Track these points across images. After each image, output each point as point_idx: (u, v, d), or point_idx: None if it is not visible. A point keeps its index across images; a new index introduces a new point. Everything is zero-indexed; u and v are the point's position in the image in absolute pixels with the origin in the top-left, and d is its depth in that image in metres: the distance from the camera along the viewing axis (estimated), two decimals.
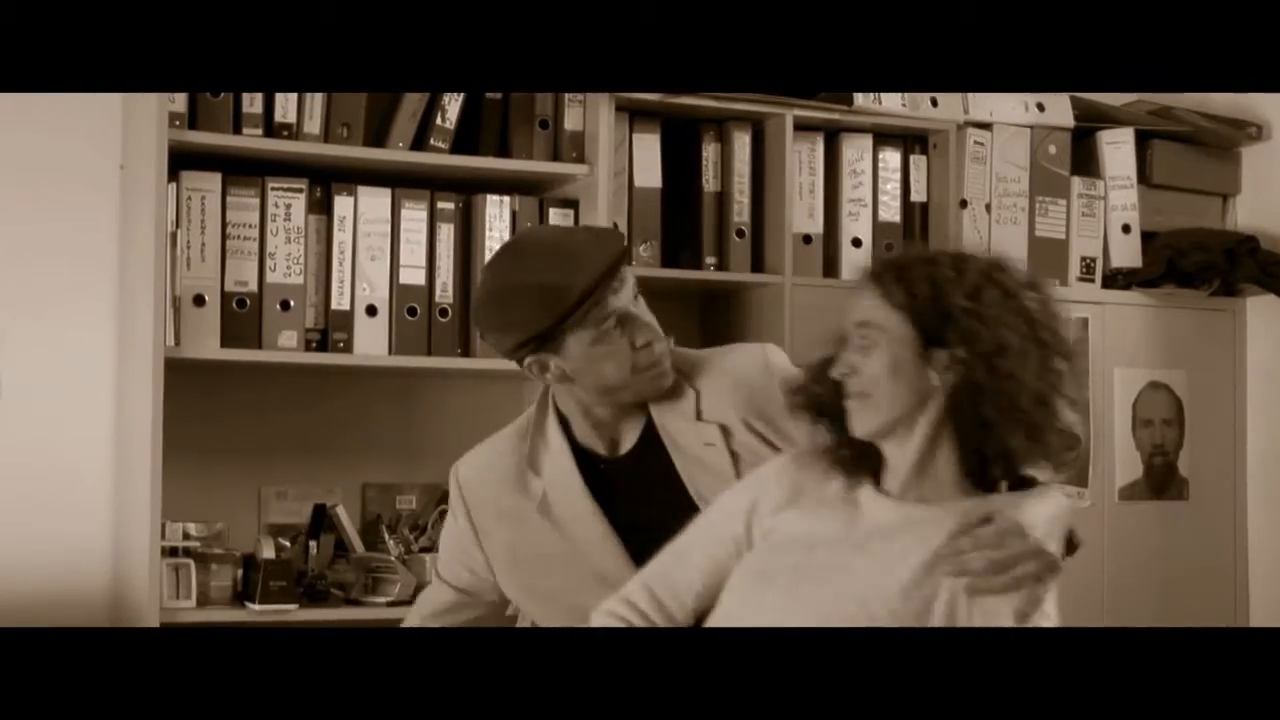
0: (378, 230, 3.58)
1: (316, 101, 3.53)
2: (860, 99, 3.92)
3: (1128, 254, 4.27)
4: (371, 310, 3.57)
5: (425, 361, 3.63)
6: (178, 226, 3.41)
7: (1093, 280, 4.22)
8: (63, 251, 3.63)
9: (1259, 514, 4.31)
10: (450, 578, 2.79)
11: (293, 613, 3.40)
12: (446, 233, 3.64)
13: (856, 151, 4.00)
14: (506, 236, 3.64)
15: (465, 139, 3.66)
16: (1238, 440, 4.34)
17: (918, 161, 4.06)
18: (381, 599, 3.50)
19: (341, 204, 3.56)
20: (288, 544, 3.55)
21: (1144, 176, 4.31)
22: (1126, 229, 4.27)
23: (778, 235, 3.88)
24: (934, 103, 4.03)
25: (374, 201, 3.59)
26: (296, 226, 3.52)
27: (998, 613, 2.16)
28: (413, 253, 3.61)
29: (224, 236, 3.46)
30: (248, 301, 3.48)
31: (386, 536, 3.66)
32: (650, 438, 2.66)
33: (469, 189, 3.67)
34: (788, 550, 2.30)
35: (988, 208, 4.10)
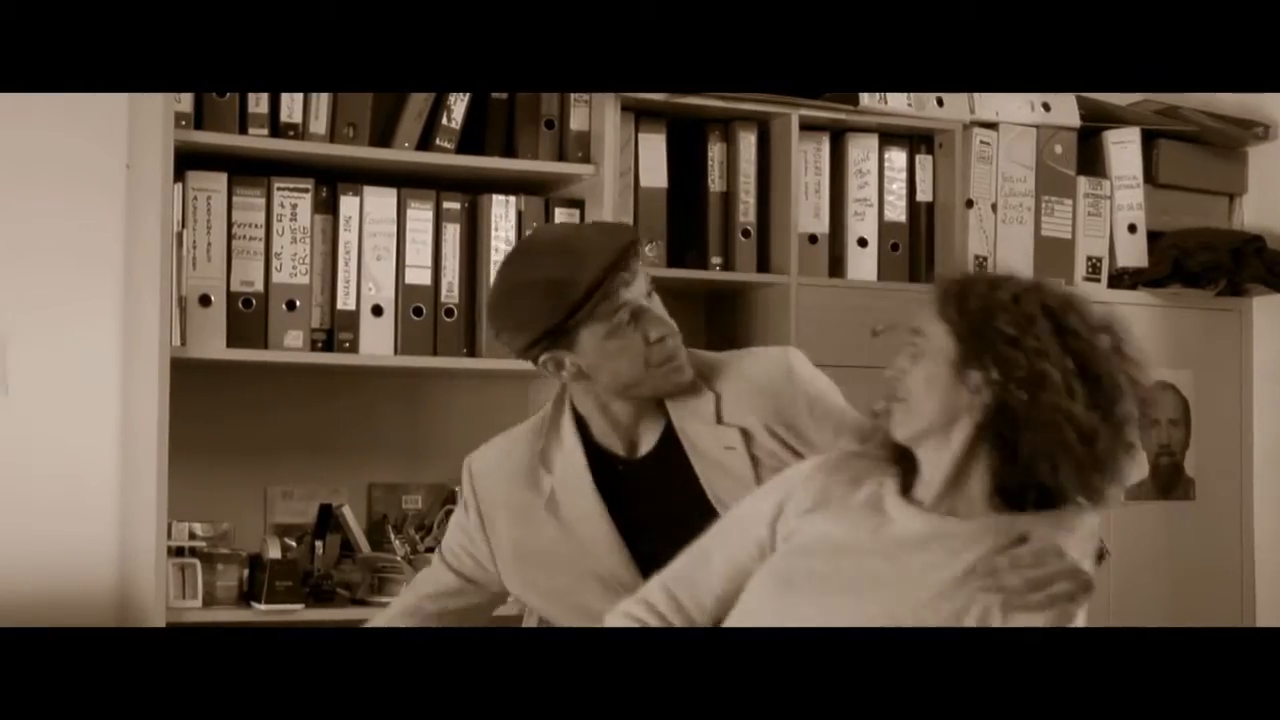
0: (383, 230, 3.58)
1: (322, 101, 3.53)
2: (866, 99, 3.92)
3: (1134, 254, 4.26)
4: (377, 310, 3.57)
5: (431, 361, 3.63)
6: (183, 226, 3.41)
7: (1099, 280, 4.22)
8: (69, 251, 3.63)
9: (1265, 514, 4.31)
10: (454, 563, 2.79)
11: (298, 613, 3.40)
12: (452, 233, 3.64)
13: (862, 151, 4.00)
14: (512, 237, 3.64)
15: (471, 139, 3.66)
16: (1244, 440, 4.33)
17: (923, 161, 4.06)
18: (387, 599, 3.48)
19: (347, 204, 3.56)
20: (294, 544, 3.55)
21: (1150, 176, 4.31)
22: (1132, 229, 4.27)
23: (783, 235, 3.88)
24: (940, 102, 4.02)
25: (380, 201, 3.59)
26: (302, 226, 3.52)
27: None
28: (418, 253, 3.61)
29: (230, 236, 3.46)
30: (253, 301, 3.48)
31: (392, 536, 3.66)
32: (669, 440, 2.66)
33: (474, 189, 3.67)
34: (812, 555, 2.29)
35: (994, 207, 4.10)
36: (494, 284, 2.69)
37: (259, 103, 3.49)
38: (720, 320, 4.01)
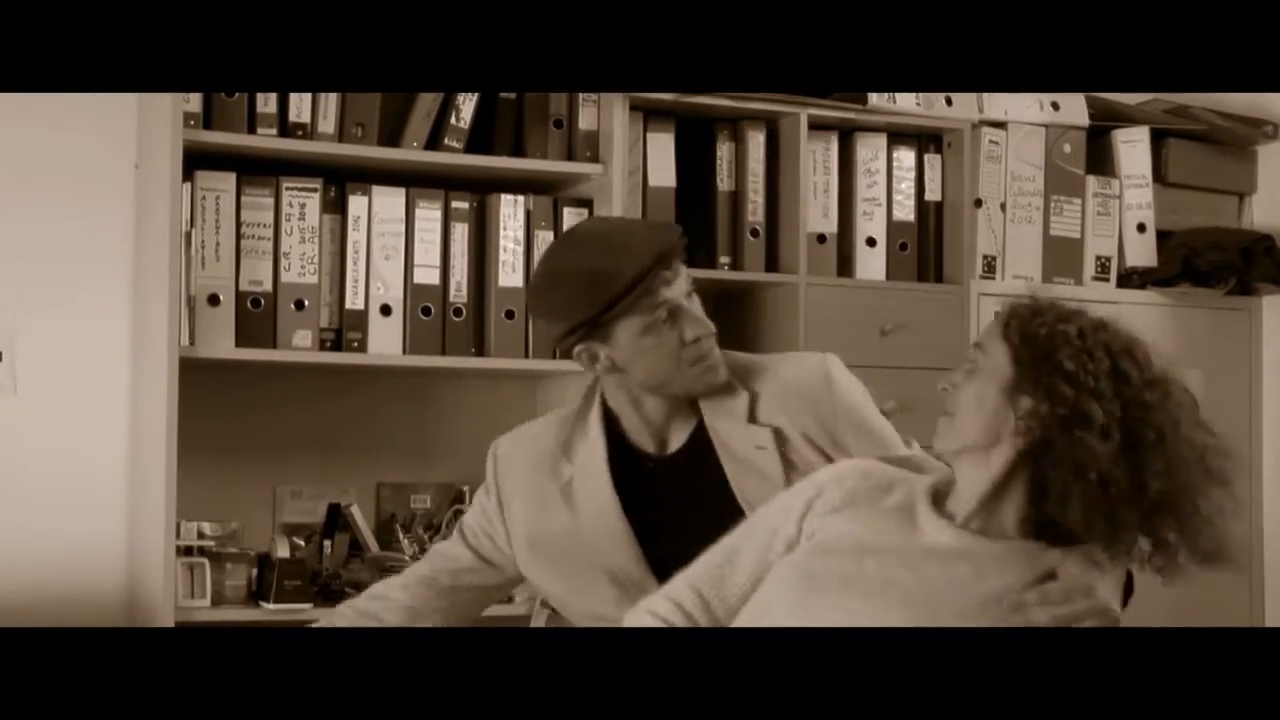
0: (392, 230, 3.58)
1: (331, 101, 3.53)
2: (875, 98, 3.91)
3: (1143, 253, 4.26)
4: (386, 310, 3.57)
5: (439, 361, 3.63)
6: (192, 226, 3.41)
7: (1108, 280, 4.21)
8: (78, 251, 3.63)
9: (1275, 513, 4.30)
10: (472, 541, 2.81)
11: (307, 612, 3.40)
12: (461, 232, 3.64)
13: (871, 151, 3.99)
14: (520, 236, 3.65)
15: (480, 138, 3.66)
16: (1253, 440, 4.33)
17: (932, 160, 4.06)
18: None
19: (356, 203, 3.57)
20: (302, 543, 3.55)
21: (1159, 175, 4.31)
22: (1142, 228, 4.26)
23: (792, 235, 3.87)
24: (949, 102, 4.02)
25: (388, 201, 3.59)
26: (311, 226, 3.52)
27: None
28: (427, 252, 3.61)
29: (239, 236, 3.47)
30: (262, 301, 3.48)
31: (401, 536, 3.66)
32: (700, 438, 2.66)
33: (483, 189, 3.67)
34: (836, 554, 2.29)
35: (1002, 207, 4.10)
36: (536, 271, 2.72)
37: (267, 103, 3.49)
38: (728, 320, 3.98)
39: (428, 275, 3.61)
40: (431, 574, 2.82)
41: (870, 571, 2.25)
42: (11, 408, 3.58)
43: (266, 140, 3.49)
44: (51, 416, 3.60)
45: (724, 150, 3.89)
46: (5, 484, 3.56)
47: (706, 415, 2.66)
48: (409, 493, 3.85)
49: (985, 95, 4.06)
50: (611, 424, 2.70)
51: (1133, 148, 4.26)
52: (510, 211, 3.66)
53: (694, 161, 3.87)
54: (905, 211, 4.02)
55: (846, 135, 3.99)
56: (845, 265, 3.98)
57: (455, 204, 3.64)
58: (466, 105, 3.63)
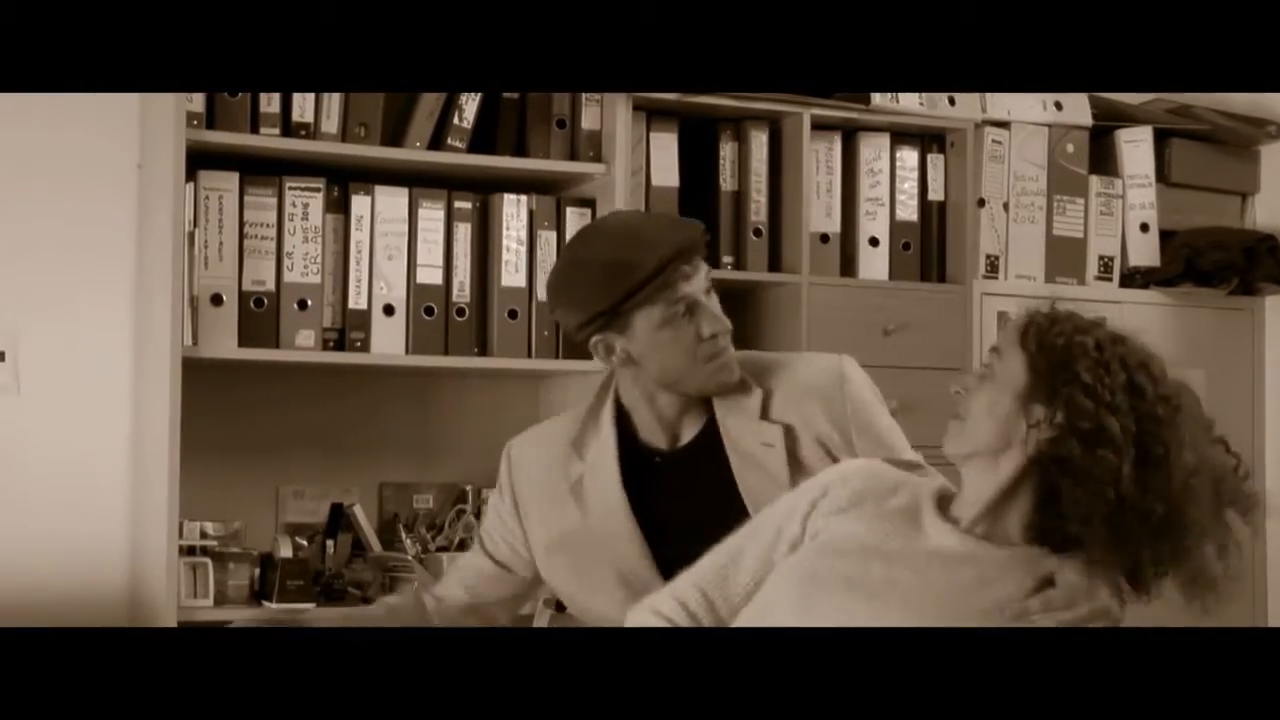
0: (395, 230, 3.58)
1: (334, 101, 3.53)
2: (878, 98, 3.91)
3: (1146, 253, 4.26)
4: (389, 310, 3.57)
5: (442, 361, 3.63)
6: (195, 226, 3.41)
7: (1110, 279, 4.21)
8: (80, 250, 3.63)
9: (1278, 513, 4.29)
10: (491, 549, 2.82)
11: (310, 611, 3.40)
12: (464, 232, 3.64)
13: (874, 150, 3.99)
14: (524, 236, 3.65)
15: (482, 138, 3.66)
16: (1256, 440, 4.32)
17: (935, 160, 4.05)
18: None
19: (359, 203, 3.57)
20: (305, 543, 3.56)
21: (1162, 175, 4.30)
22: (1145, 228, 4.26)
23: (795, 234, 3.87)
24: (952, 101, 4.02)
25: (391, 201, 3.59)
26: (314, 226, 3.52)
27: None
28: (430, 252, 3.61)
29: (241, 236, 3.46)
30: (265, 301, 3.48)
31: (403, 536, 3.66)
32: (710, 434, 2.67)
33: (486, 188, 3.67)
34: (839, 555, 2.29)
35: (1005, 207, 4.10)
36: (557, 261, 2.76)
37: (271, 102, 3.49)
38: (731, 319, 3.99)
39: (430, 275, 3.60)
40: (455, 589, 2.82)
41: (874, 573, 2.25)
42: (14, 407, 3.58)
43: (269, 140, 3.49)
44: (54, 416, 3.60)
45: (727, 150, 3.89)
46: (8, 484, 3.56)
47: (719, 411, 2.66)
48: (412, 492, 3.85)
49: (988, 95, 4.06)
50: (623, 420, 2.71)
51: (1136, 147, 4.26)
52: (513, 211, 3.66)
53: (697, 161, 3.87)
54: (908, 211, 4.02)
55: (849, 135, 3.99)
56: (848, 265, 3.97)
57: (458, 204, 3.64)
58: (469, 105, 3.63)
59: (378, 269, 3.57)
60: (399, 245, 3.58)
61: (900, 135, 4.02)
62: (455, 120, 3.62)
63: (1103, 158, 4.26)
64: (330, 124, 3.53)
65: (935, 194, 4.05)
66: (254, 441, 3.72)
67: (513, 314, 3.64)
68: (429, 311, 3.60)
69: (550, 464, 2.73)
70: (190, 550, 3.40)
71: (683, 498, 2.65)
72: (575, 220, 3.69)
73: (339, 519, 3.62)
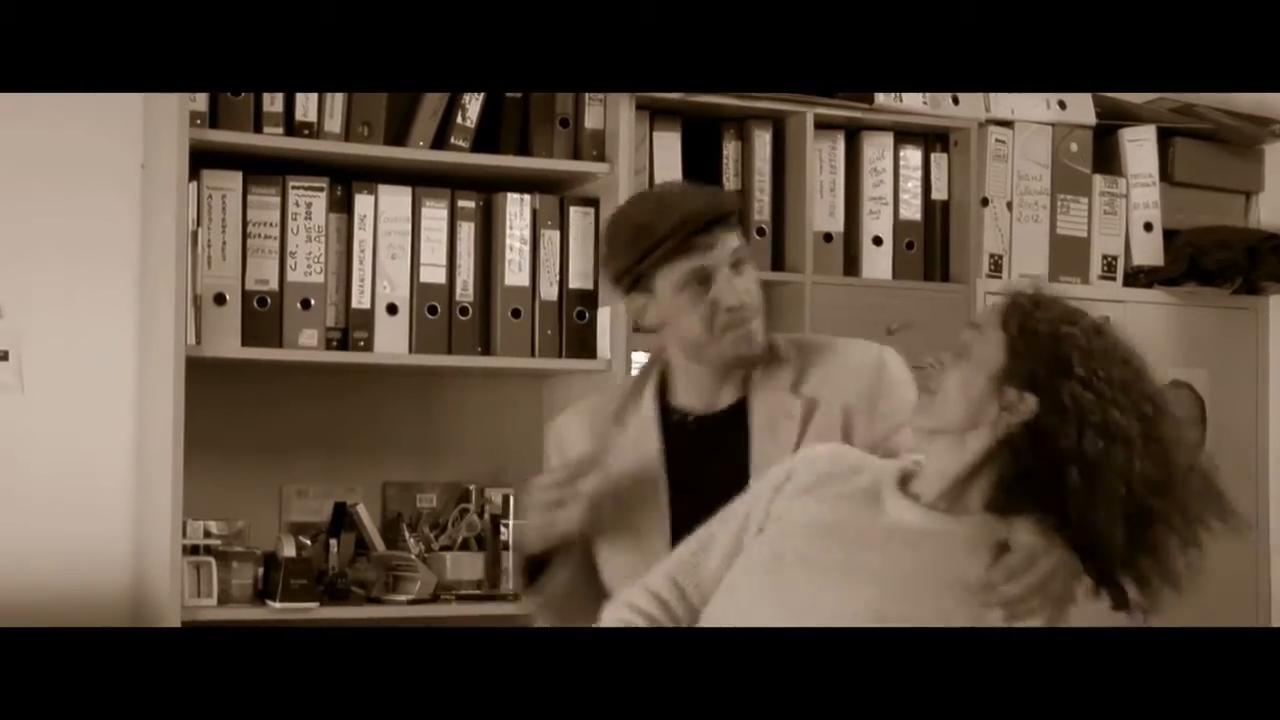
0: (398, 229, 3.58)
1: (337, 100, 3.53)
2: (881, 97, 3.91)
3: (1149, 252, 4.26)
4: (392, 309, 3.57)
5: (446, 360, 3.63)
6: (199, 225, 3.42)
7: (1114, 278, 4.21)
8: (84, 249, 3.64)
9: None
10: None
11: (313, 611, 3.40)
12: (467, 231, 3.64)
13: (877, 149, 3.99)
14: (527, 235, 3.65)
15: (486, 137, 3.66)
16: (1259, 439, 4.32)
17: (939, 159, 4.05)
18: (402, 597, 3.51)
19: (362, 203, 3.57)
20: (308, 542, 3.56)
21: (1166, 174, 4.30)
22: (1148, 227, 4.26)
23: (798, 233, 3.87)
24: (955, 100, 4.02)
25: (394, 200, 3.59)
26: (317, 225, 3.52)
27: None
28: (433, 251, 3.61)
29: (245, 235, 3.47)
30: (268, 300, 3.48)
31: (407, 535, 3.67)
32: (742, 403, 2.71)
33: (489, 188, 3.67)
34: (800, 536, 2.31)
35: (1009, 206, 4.10)
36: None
37: (274, 102, 3.49)
38: None
39: (434, 274, 3.61)
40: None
41: (835, 551, 2.26)
42: (18, 406, 3.59)
43: (273, 139, 3.49)
44: (58, 415, 3.60)
45: (730, 149, 3.88)
46: (11, 483, 3.57)
47: (753, 382, 2.71)
48: (415, 492, 3.85)
49: (992, 94, 4.06)
50: (665, 389, 2.76)
51: (1139, 146, 4.26)
52: (516, 210, 3.66)
53: (700, 160, 3.87)
54: (911, 210, 4.02)
55: (853, 134, 3.99)
56: (851, 264, 3.98)
57: (461, 203, 3.64)
58: (473, 104, 3.63)
59: (381, 268, 3.57)
60: (402, 244, 3.58)
61: (904, 134, 4.02)
62: (459, 119, 3.63)
63: (1106, 157, 4.25)
64: (333, 123, 3.54)
65: (939, 193, 4.05)
66: (257, 441, 3.72)
67: (516, 313, 3.64)
68: (432, 311, 3.60)
69: (592, 430, 2.78)
70: (194, 549, 3.40)
71: (704, 462, 2.69)
72: (578, 219, 3.69)
73: (342, 518, 3.62)
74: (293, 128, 3.51)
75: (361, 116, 3.56)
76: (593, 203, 3.71)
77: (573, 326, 3.69)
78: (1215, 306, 4.28)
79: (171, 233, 3.37)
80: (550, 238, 3.67)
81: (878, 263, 3.98)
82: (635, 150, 3.73)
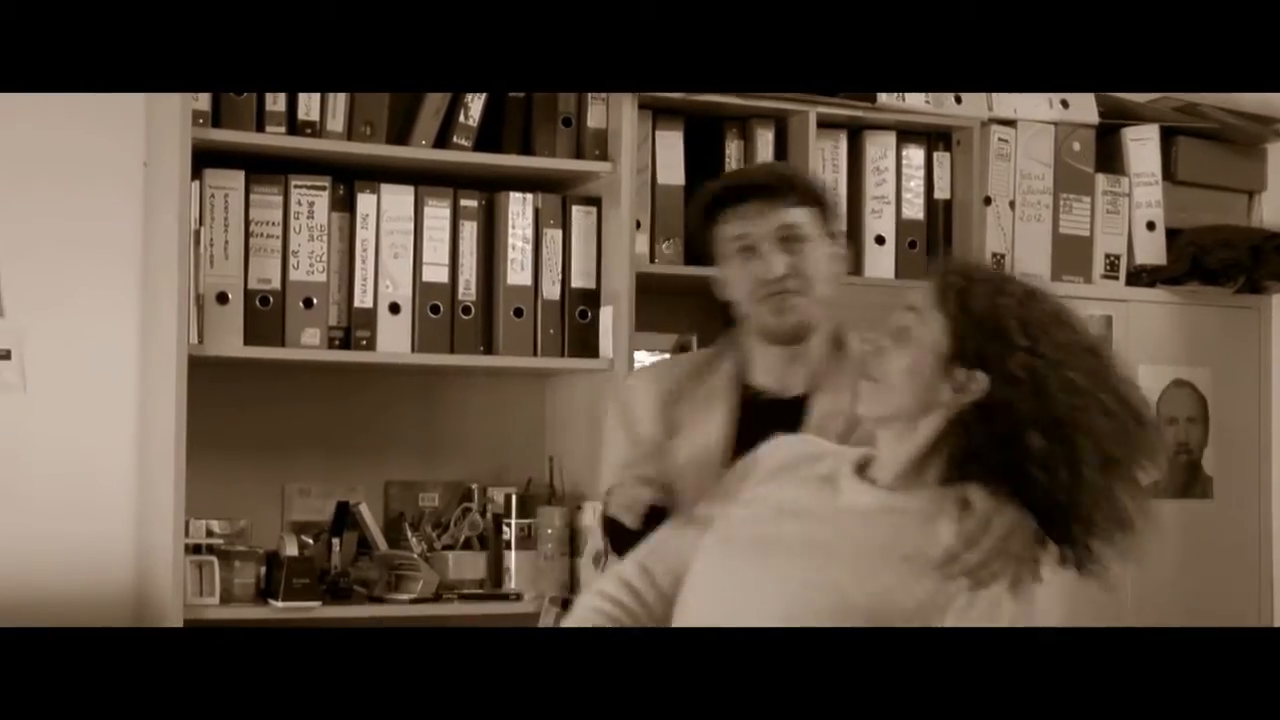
0: (400, 228, 3.58)
1: (340, 100, 3.53)
2: (884, 96, 3.90)
3: (1152, 251, 4.25)
4: (394, 308, 3.57)
5: (448, 359, 3.63)
6: (201, 224, 3.41)
7: (1117, 277, 4.21)
8: (86, 249, 3.64)
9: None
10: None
11: (316, 610, 3.40)
12: (469, 230, 3.64)
13: (880, 149, 3.99)
14: (529, 234, 3.65)
15: (488, 137, 3.66)
16: (1263, 438, 4.32)
17: (941, 159, 4.05)
18: (404, 596, 3.51)
19: (364, 202, 3.57)
20: (311, 541, 3.56)
21: (1169, 173, 4.30)
22: (1151, 226, 4.26)
23: None
24: (958, 100, 4.01)
25: (397, 199, 3.59)
26: (319, 224, 3.52)
27: (995, 592, 2.17)
28: (435, 250, 3.61)
29: (247, 234, 3.47)
30: (271, 299, 3.48)
31: (409, 534, 3.67)
32: (806, 391, 2.77)
33: (492, 187, 3.67)
34: (754, 519, 2.34)
35: (1012, 205, 4.09)
36: None
37: (276, 101, 3.49)
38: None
39: (436, 273, 3.61)
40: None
41: (788, 532, 2.28)
42: (20, 406, 3.58)
43: (275, 138, 3.49)
44: (60, 415, 3.60)
45: (732, 148, 3.88)
46: (14, 483, 3.57)
47: (822, 376, 2.77)
48: (417, 491, 3.85)
49: (994, 94, 4.05)
50: (742, 364, 2.81)
51: (1142, 145, 4.26)
52: (519, 209, 3.66)
53: (703, 159, 3.86)
54: (914, 210, 4.01)
55: (855, 133, 3.99)
56: (854, 263, 3.97)
57: (464, 202, 3.64)
58: (475, 103, 3.63)
59: (383, 267, 3.57)
60: (404, 244, 3.58)
61: (906, 133, 4.01)
62: (461, 118, 3.62)
63: (1109, 156, 4.25)
64: (336, 122, 3.53)
65: (941, 192, 4.04)
66: (260, 440, 3.72)
67: (518, 312, 3.64)
68: (434, 310, 3.60)
69: (661, 403, 2.83)
70: (196, 549, 3.40)
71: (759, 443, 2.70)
72: (581, 219, 3.69)
73: (345, 517, 3.62)
74: (295, 127, 3.51)
75: (364, 116, 3.55)
76: (595, 202, 3.71)
77: (575, 326, 3.68)
78: (1218, 306, 4.27)
79: (174, 232, 3.37)
80: (553, 237, 3.67)
81: (880, 262, 3.98)
82: (638, 149, 3.72)
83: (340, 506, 3.64)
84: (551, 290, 3.67)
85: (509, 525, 3.65)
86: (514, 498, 3.66)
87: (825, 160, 3.92)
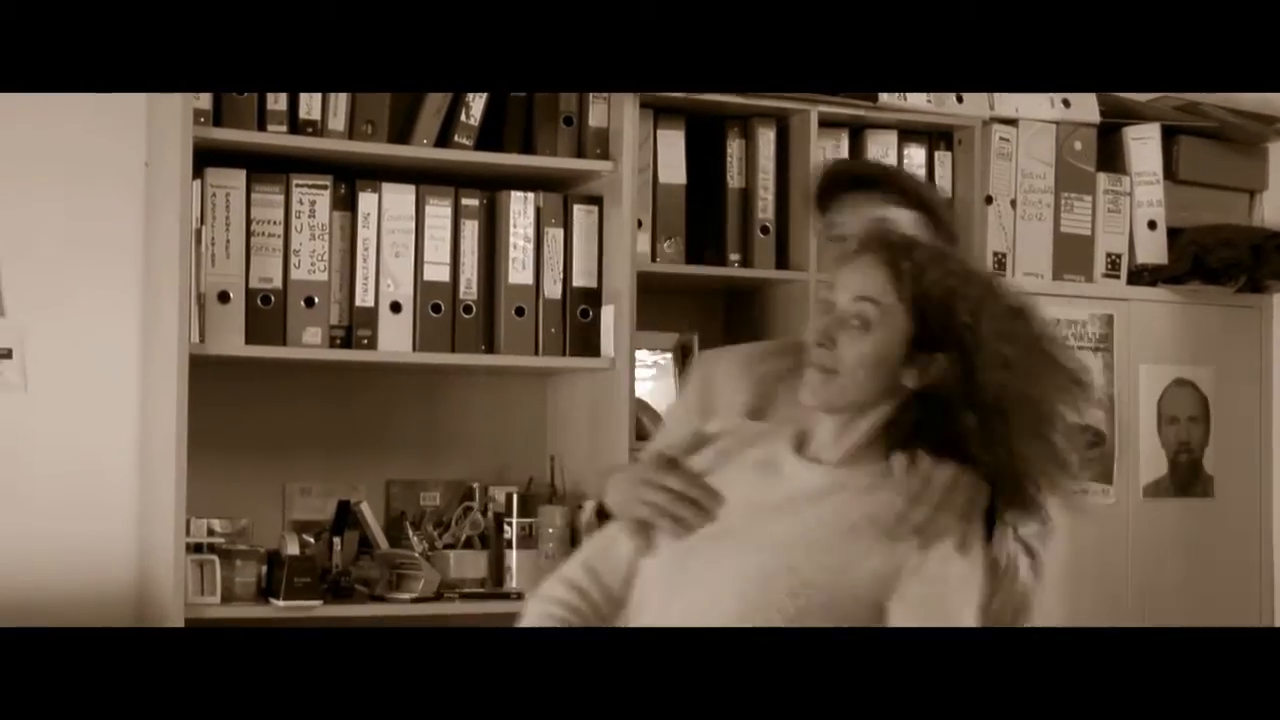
0: (402, 227, 3.58)
1: (341, 99, 3.53)
2: (885, 95, 3.91)
3: (1153, 250, 4.25)
4: (395, 307, 3.58)
5: (449, 358, 3.63)
6: (202, 223, 3.42)
7: (1118, 277, 4.21)
8: (88, 248, 3.64)
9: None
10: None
11: (317, 609, 3.40)
12: (470, 229, 3.64)
13: (881, 148, 3.99)
14: (530, 234, 3.65)
15: (489, 136, 3.66)
16: (1264, 437, 4.32)
17: (943, 158, 4.05)
18: (405, 595, 3.51)
19: (366, 201, 3.57)
20: (312, 540, 3.56)
21: (1170, 172, 4.30)
22: (1152, 225, 4.26)
23: (802, 232, 3.86)
24: (959, 99, 4.01)
25: (398, 198, 3.59)
26: (321, 223, 3.52)
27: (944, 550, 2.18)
28: (437, 249, 3.61)
29: (248, 233, 3.47)
30: (272, 298, 3.48)
31: (410, 533, 3.67)
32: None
33: (493, 186, 3.67)
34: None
35: (1013, 204, 4.10)
36: None
37: (278, 100, 3.49)
38: (739, 317, 4.01)
39: (438, 272, 3.61)
40: None
41: (736, 522, 2.27)
42: (21, 405, 3.59)
43: (277, 137, 3.49)
44: (61, 414, 3.61)
45: (734, 147, 3.88)
46: (15, 482, 3.57)
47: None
48: (418, 490, 3.85)
49: (996, 93, 4.05)
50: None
51: (1143, 145, 4.26)
52: (520, 209, 3.66)
53: (704, 158, 3.87)
54: None
55: (857, 132, 3.99)
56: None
57: (465, 201, 3.64)
58: (476, 102, 3.63)
59: (385, 266, 3.57)
60: (406, 242, 3.58)
61: (908, 133, 4.02)
62: (462, 118, 3.63)
63: (1110, 155, 4.25)
64: (337, 121, 3.54)
65: (943, 191, 4.04)
66: (261, 439, 3.72)
67: (520, 311, 3.64)
68: (436, 309, 3.60)
69: (751, 379, 2.71)
70: (197, 548, 3.40)
71: None
72: (582, 218, 3.69)
73: (346, 516, 3.63)
74: (296, 126, 3.51)
75: (365, 115, 3.56)
76: (596, 201, 3.71)
77: (576, 325, 3.69)
78: (1219, 305, 4.28)
79: (175, 231, 3.38)
80: (554, 236, 3.67)
81: None
82: (639, 149, 3.72)
83: (341, 505, 3.64)
84: (553, 289, 3.67)
85: (510, 524, 3.65)
86: (515, 497, 3.66)
87: (827, 159, 3.91)
